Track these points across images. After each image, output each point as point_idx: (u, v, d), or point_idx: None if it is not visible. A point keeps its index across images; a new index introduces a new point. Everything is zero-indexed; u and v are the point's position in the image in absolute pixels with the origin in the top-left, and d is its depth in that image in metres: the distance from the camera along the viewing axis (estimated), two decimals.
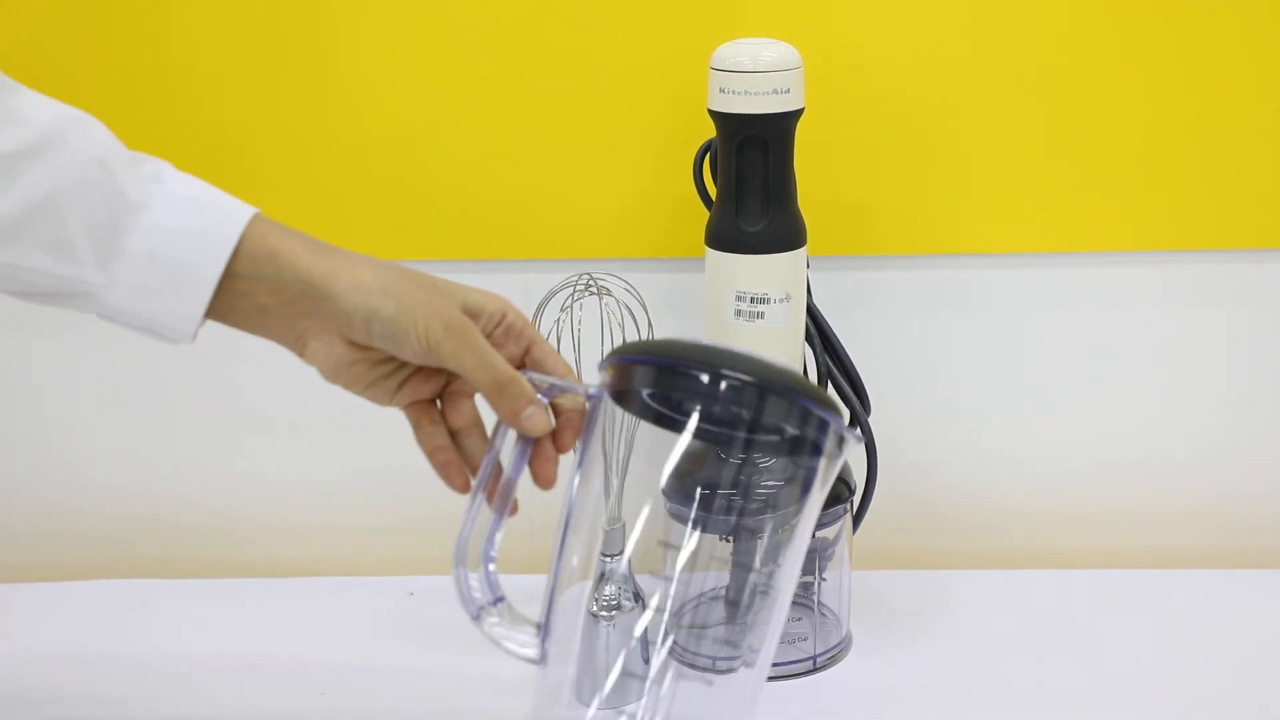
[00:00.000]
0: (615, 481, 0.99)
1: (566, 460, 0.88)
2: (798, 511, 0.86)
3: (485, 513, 0.88)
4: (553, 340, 0.98)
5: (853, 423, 1.11)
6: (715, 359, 0.81)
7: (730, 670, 0.90)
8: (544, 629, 0.88)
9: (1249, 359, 1.23)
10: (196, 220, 0.81)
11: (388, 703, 1.04)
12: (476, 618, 0.88)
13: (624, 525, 0.99)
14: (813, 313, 1.10)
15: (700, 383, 0.81)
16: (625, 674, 0.92)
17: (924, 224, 1.19)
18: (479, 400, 0.88)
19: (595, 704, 0.93)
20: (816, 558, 1.09)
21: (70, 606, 1.17)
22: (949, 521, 1.26)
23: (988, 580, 1.19)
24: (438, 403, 0.90)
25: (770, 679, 1.05)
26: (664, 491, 0.89)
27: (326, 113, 1.18)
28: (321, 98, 1.17)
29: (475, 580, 0.87)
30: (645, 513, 0.89)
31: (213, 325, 0.84)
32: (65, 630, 1.14)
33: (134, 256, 0.80)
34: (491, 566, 0.88)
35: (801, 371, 1.09)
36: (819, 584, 1.10)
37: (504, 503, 0.88)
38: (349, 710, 1.03)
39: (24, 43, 1.15)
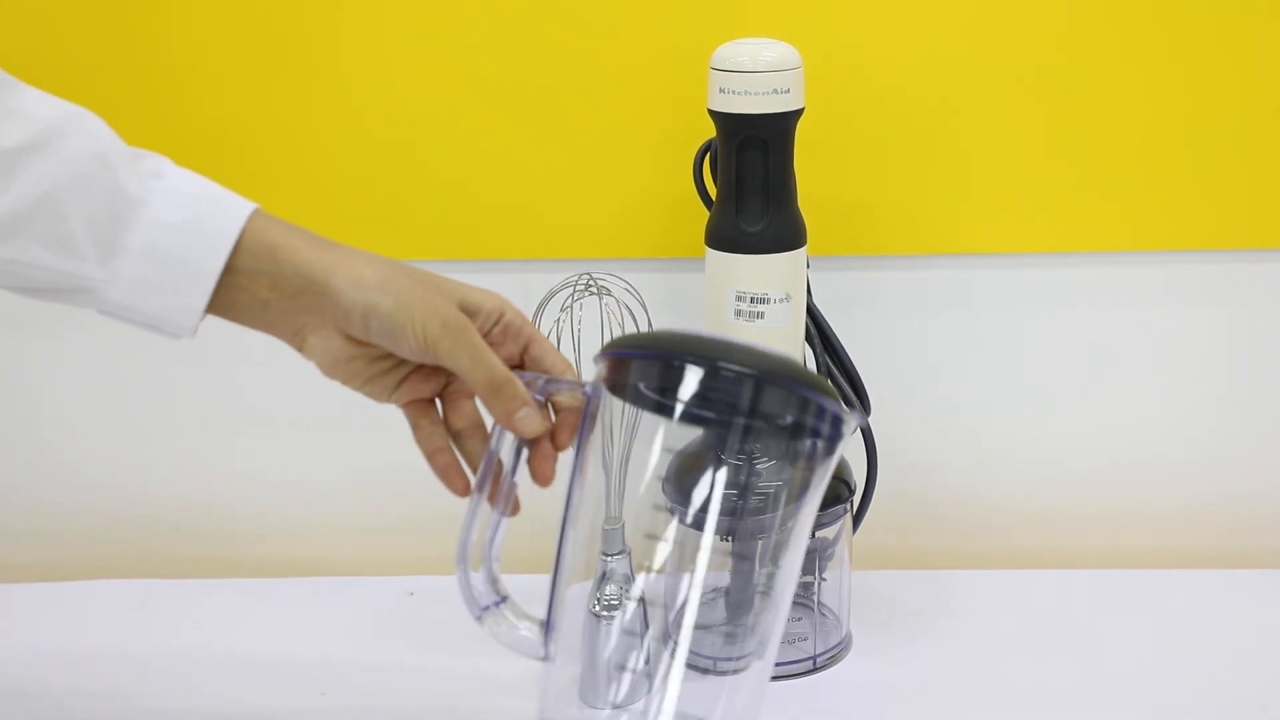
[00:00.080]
0: (615, 481, 0.99)
1: (567, 457, 0.88)
2: (799, 504, 0.86)
3: (487, 512, 0.88)
4: (553, 340, 0.98)
5: None
6: (708, 350, 0.81)
7: (733, 670, 0.90)
8: (547, 627, 0.88)
9: (1249, 359, 1.23)
10: (196, 215, 0.81)
11: (388, 703, 1.04)
12: (480, 617, 0.88)
13: (624, 524, 0.99)
14: (813, 313, 1.10)
15: (694, 375, 0.81)
16: (626, 674, 0.92)
17: (924, 224, 1.19)
18: (480, 401, 0.88)
19: (597, 704, 0.93)
20: (816, 558, 1.09)
21: (70, 606, 1.17)
22: (949, 521, 1.26)
23: (988, 580, 1.19)
24: (438, 403, 0.90)
25: (770, 679, 1.06)
26: (664, 491, 0.89)
27: (326, 112, 1.18)
28: (321, 98, 1.17)
29: (478, 580, 0.88)
30: (645, 512, 0.89)
31: (212, 326, 0.84)
32: (65, 630, 1.14)
33: (135, 252, 0.80)
34: (494, 566, 0.88)
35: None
36: (819, 584, 1.10)
37: (505, 502, 0.88)
38: (349, 710, 1.03)
39: (24, 42, 1.16)
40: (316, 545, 1.27)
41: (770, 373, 0.81)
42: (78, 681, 1.06)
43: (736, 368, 0.80)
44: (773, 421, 0.83)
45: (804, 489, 0.85)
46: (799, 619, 1.09)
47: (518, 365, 0.89)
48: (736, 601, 1.01)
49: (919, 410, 1.23)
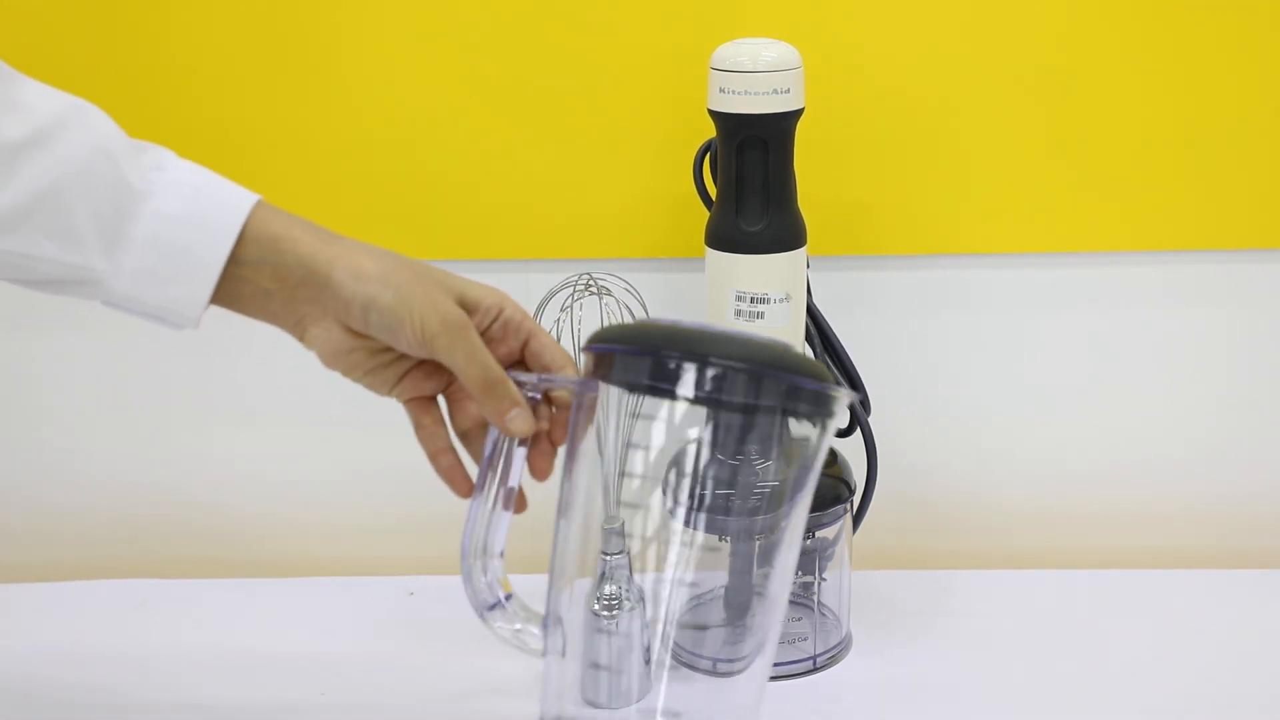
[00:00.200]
0: (614, 481, 0.99)
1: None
2: (795, 495, 0.86)
3: (490, 509, 0.88)
4: None
5: (852, 424, 1.11)
6: (690, 342, 0.81)
7: (732, 671, 0.91)
8: (547, 623, 0.88)
9: (1249, 359, 1.23)
10: (200, 207, 0.82)
11: (388, 702, 1.04)
12: (483, 615, 0.88)
13: (623, 524, 0.99)
14: (813, 313, 1.10)
15: (671, 368, 0.81)
16: (627, 673, 0.92)
17: (924, 224, 1.19)
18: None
19: (599, 703, 0.93)
20: (816, 558, 1.09)
21: (70, 606, 1.17)
22: (949, 521, 1.26)
23: (988, 580, 1.19)
24: (441, 403, 0.90)
25: (770, 679, 1.05)
26: (663, 491, 0.89)
27: (326, 112, 1.18)
28: (322, 97, 1.17)
29: (482, 577, 0.88)
30: (645, 512, 0.89)
31: (213, 328, 0.85)
32: (65, 630, 1.14)
33: (139, 244, 0.81)
34: (498, 562, 0.88)
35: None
36: (819, 584, 1.10)
37: (507, 499, 0.88)
38: (349, 710, 1.03)
39: (25, 42, 1.15)
40: (316, 545, 1.27)
41: (750, 360, 0.81)
42: (78, 681, 1.06)
43: (719, 360, 0.80)
44: (759, 408, 0.83)
45: (799, 476, 0.85)
46: (799, 619, 1.09)
47: (518, 360, 0.89)
48: (736, 601, 1.01)
49: (919, 410, 1.23)
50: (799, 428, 0.85)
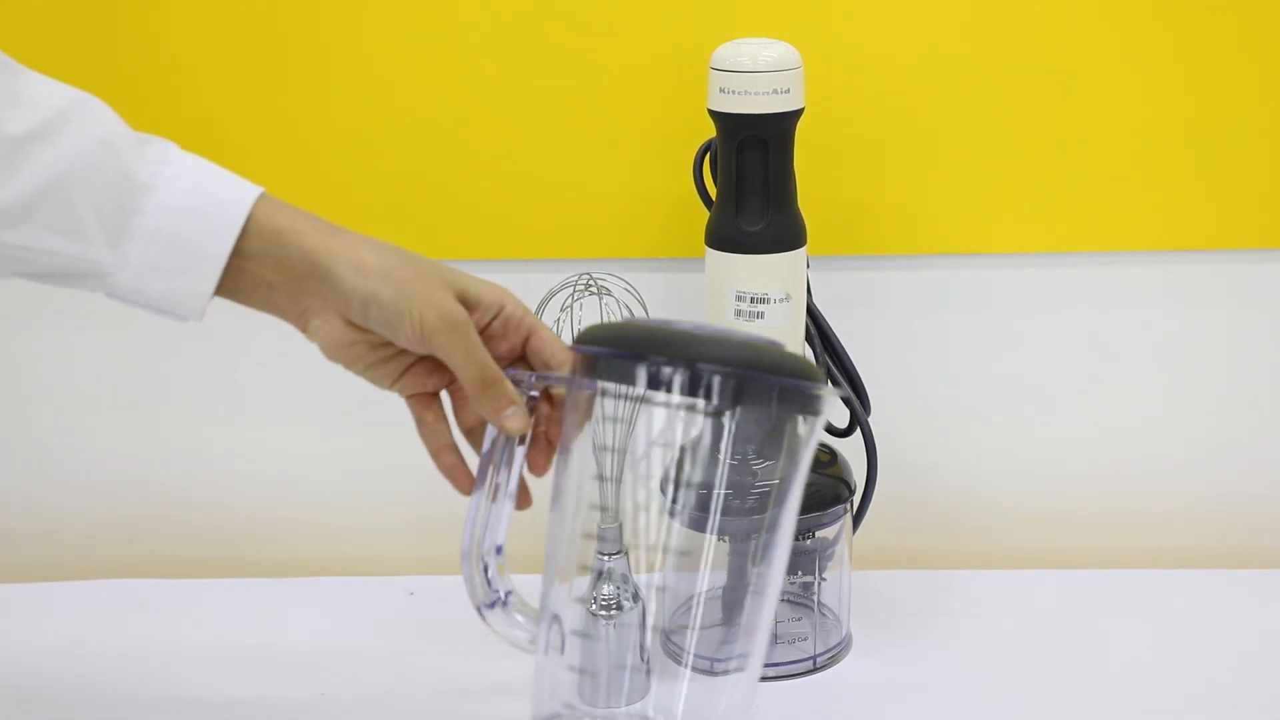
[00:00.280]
0: (612, 481, 0.99)
1: None
2: (785, 490, 0.86)
3: (490, 505, 0.89)
4: None
5: (852, 423, 1.11)
6: (676, 345, 0.81)
7: (728, 669, 0.90)
8: (543, 619, 0.88)
9: (1249, 359, 1.23)
10: (203, 200, 0.82)
11: (388, 702, 1.04)
12: (483, 611, 0.88)
13: (621, 524, 0.99)
14: (813, 313, 1.10)
15: (658, 372, 0.82)
16: (624, 673, 0.92)
17: (924, 224, 1.19)
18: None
19: (595, 704, 0.93)
20: (816, 558, 1.09)
21: (70, 606, 1.17)
22: (949, 521, 1.26)
23: (988, 580, 1.19)
24: (444, 400, 0.90)
25: (770, 679, 1.06)
26: (661, 491, 0.89)
27: (327, 112, 1.18)
28: (322, 97, 1.17)
29: (482, 574, 0.88)
30: (643, 512, 0.89)
31: (213, 328, 0.85)
32: (65, 630, 1.14)
33: (143, 236, 0.81)
34: (499, 559, 0.89)
35: None
36: (819, 584, 1.10)
37: (507, 495, 0.88)
38: (349, 710, 1.03)
39: (28, 37, 1.15)
40: (316, 545, 1.27)
41: (732, 362, 0.81)
42: (78, 681, 1.06)
43: (701, 363, 0.81)
44: (744, 409, 0.83)
45: (789, 474, 0.85)
46: (799, 619, 1.09)
47: (519, 357, 0.89)
48: (732, 600, 1.01)
49: (919, 410, 1.23)
50: (786, 426, 0.85)
